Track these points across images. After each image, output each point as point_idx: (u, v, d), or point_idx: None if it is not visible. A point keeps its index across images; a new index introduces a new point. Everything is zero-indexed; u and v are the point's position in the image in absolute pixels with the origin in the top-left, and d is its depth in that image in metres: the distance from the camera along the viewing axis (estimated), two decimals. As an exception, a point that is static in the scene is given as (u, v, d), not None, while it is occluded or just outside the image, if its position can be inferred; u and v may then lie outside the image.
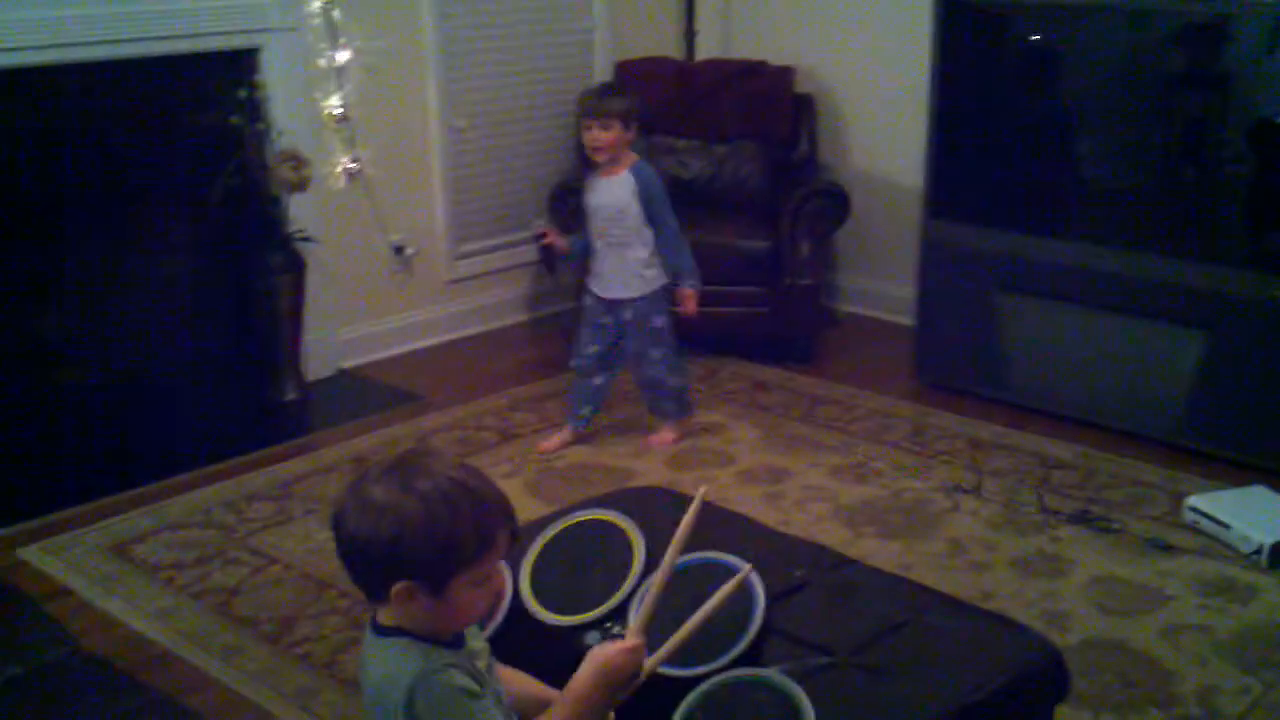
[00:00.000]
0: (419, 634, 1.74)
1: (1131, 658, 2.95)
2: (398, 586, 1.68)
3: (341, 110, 4.60)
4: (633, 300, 3.93)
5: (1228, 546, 3.43)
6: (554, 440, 4.08)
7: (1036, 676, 2.33)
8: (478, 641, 1.88)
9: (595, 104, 3.82)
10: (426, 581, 1.68)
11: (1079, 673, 2.76)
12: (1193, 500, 3.58)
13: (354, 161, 4.67)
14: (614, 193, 3.85)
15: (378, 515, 1.67)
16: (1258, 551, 3.35)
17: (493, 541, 1.73)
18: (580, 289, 4.14)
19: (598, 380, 4.08)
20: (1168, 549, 3.43)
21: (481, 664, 1.84)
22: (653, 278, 3.94)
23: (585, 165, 3.97)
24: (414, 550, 1.67)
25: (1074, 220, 4.43)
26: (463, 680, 1.71)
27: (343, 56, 4.57)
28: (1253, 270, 3.90)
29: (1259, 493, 3.63)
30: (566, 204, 4.85)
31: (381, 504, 1.68)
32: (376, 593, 1.72)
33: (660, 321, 3.98)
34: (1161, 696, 2.81)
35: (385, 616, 1.76)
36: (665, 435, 4.14)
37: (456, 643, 1.79)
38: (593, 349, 4.02)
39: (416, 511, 1.67)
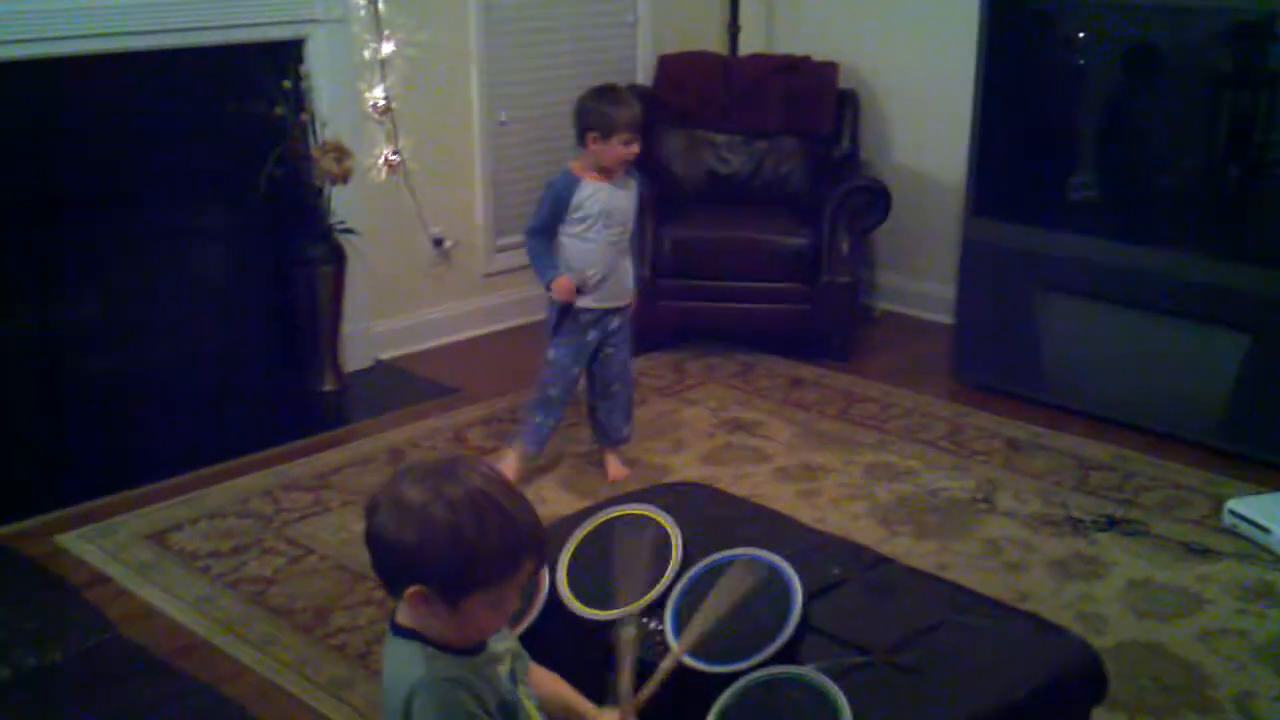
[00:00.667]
0: (432, 638, 1.73)
1: (1168, 661, 2.93)
2: (413, 589, 1.67)
3: (384, 102, 4.62)
4: (626, 307, 3.78)
5: (1268, 551, 3.40)
6: (510, 467, 3.72)
7: (1074, 678, 2.32)
8: (505, 643, 1.86)
9: (637, 119, 3.59)
10: (442, 591, 1.67)
11: (1115, 676, 2.72)
12: (1233, 504, 3.55)
13: (396, 153, 4.69)
14: (628, 198, 3.68)
15: (405, 515, 1.66)
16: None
17: (516, 566, 1.70)
18: (548, 310, 3.76)
19: (566, 402, 3.82)
20: (1204, 553, 3.40)
21: (503, 668, 1.82)
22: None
23: (571, 174, 3.63)
24: (432, 558, 1.65)
25: (1117, 220, 4.40)
26: (462, 697, 1.69)
27: (387, 48, 4.59)
28: (1295, 273, 3.86)
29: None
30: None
31: (411, 505, 1.66)
32: (394, 590, 1.72)
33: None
34: (1199, 701, 2.79)
35: (402, 615, 1.75)
36: (619, 467, 3.88)
37: (475, 648, 1.76)
38: (576, 370, 3.76)
39: (443, 519, 1.65)
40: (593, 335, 3.72)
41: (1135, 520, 3.52)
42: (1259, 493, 3.66)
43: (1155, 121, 4.28)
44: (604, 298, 3.70)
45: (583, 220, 3.59)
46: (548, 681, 1.98)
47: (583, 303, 3.66)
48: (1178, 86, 4.20)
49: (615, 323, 3.75)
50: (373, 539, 1.71)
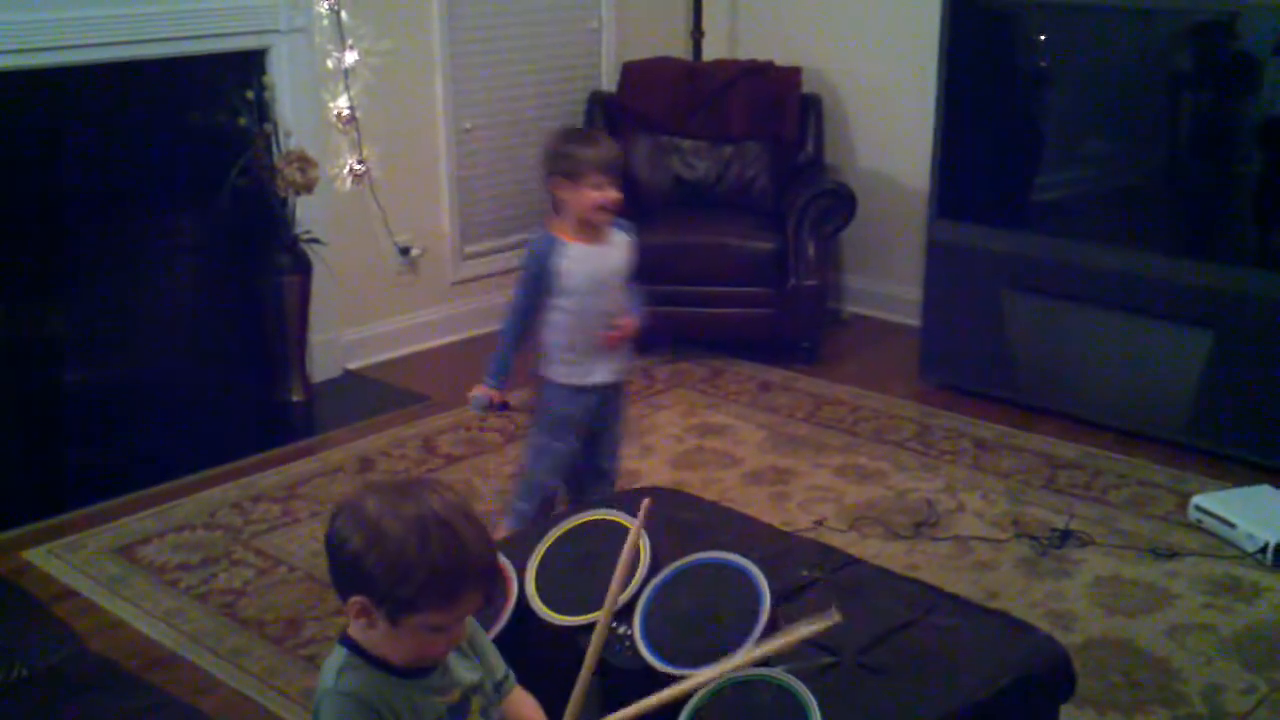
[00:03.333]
0: (372, 652, 1.71)
1: (1137, 657, 2.95)
2: (355, 599, 1.66)
3: (349, 111, 4.62)
4: (621, 383, 3.29)
5: (1233, 546, 3.43)
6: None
7: (1043, 676, 2.33)
8: (471, 675, 1.82)
9: (611, 159, 3.06)
10: (381, 605, 1.65)
11: (1084, 672, 2.75)
12: (1198, 499, 3.58)
13: (361, 163, 4.69)
14: (617, 256, 3.15)
15: (358, 524, 1.66)
16: (1263, 550, 3.35)
17: (457, 595, 1.67)
18: (545, 395, 3.24)
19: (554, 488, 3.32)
20: (1171, 549, 3.42)
21: (446, 700, 1.77)
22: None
23: (549, 235, 3.10)
24: (374, 571, 1.64)
25: (1081, 219, 4.44)
26: (354, 716, 1.68)
27: (350, 57, 4.59)
28: (1260, 269, 3.90)
29: (1265, 492, 3.62)
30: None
31: (365, 515, 1.66)
32: (342, 597, 1.71)
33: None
34: (1167, 695, 2.81)
35: (351, 625, 1.74)
36: None
37: (417, 672, 1.74)
38: (568, 461, 3.26)
39: (392, 535, 1.63)
40: (584, 421, 3.22)
41: (1083, 532, 3.52)
42: (1224, 488, 3.69)
43: (1117, 122, 4.32)
44: (596, 374, 3.18)
45: (571, 294, 3.07)
46: (520, 710, 1.94)
47: (569, 378, 3.17)
48: (1139, 87, 4.24)
49: (612, 401, 3.26)
50: (329, 544, 1.71)
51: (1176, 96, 4.21)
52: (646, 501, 2.16)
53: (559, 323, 3.11)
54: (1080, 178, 4.51)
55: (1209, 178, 4.20)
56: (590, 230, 3.07)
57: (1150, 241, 4.15)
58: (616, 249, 3.15)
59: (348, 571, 1.67)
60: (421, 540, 1.63)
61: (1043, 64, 4.52)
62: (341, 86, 4.60)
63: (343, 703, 1.69)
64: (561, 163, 3.04)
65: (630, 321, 3.18)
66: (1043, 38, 4.47)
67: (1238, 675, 2.88)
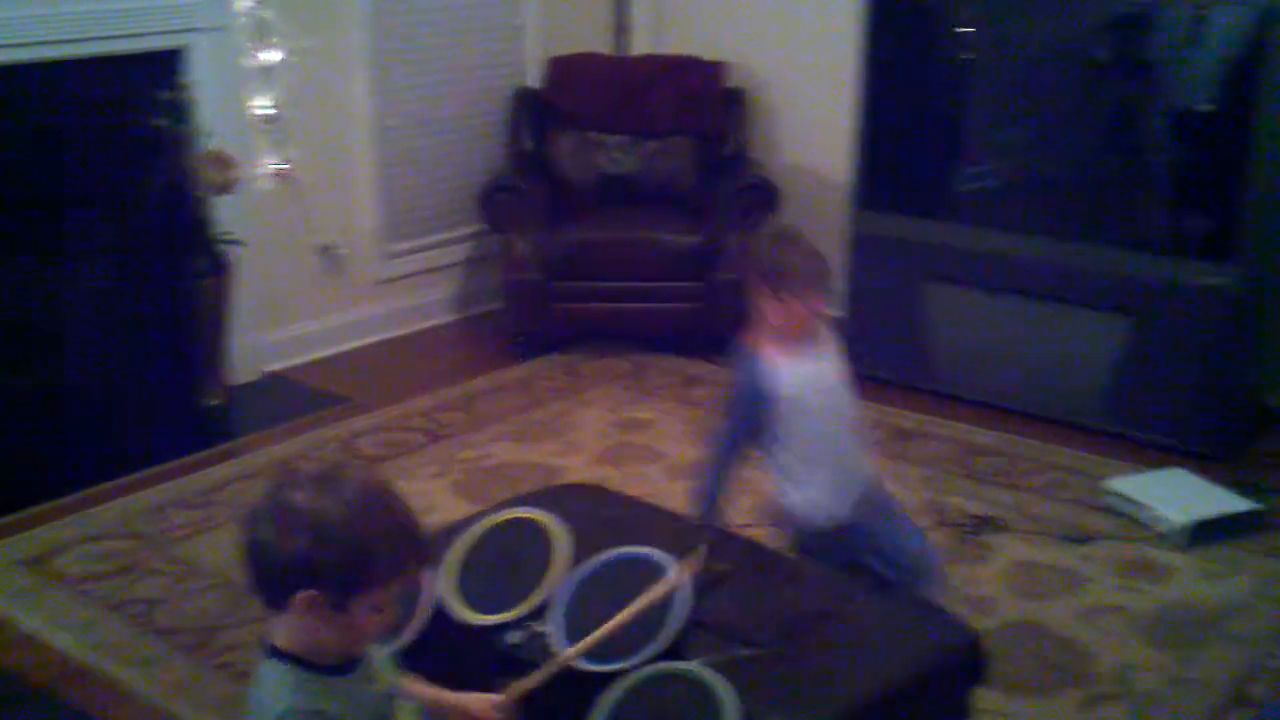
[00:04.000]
0: (307, 659, 1.70)
1: (1051, 639, 3.00)
2: (303, 595, 1.64)
3: (271, 110, 4.57)
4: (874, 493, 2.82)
5: (1145, 528, 3.49)
6: None
7: (955, 660, 2.36)
8: (379, 657, 1.84)
9: (827, 272, 2.72)
10: (332, 593, 1.64)
11: (999, 656, 2.78)
12: (1111, 483, 3.64)
13: (283, 162, 4.64)
14: (835, 366, 2.78)
15: (295, 520, 1.64)
16: (1174, 532, 3.41)
17: (403, 565, 1.69)
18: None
19: None
20: (1085, 532, 3.48)
21: (380, 686, 1.80)
22: None
23: (753, 356, 2.70)
24: (327, 559, 1.63)
25: (1000, 210, 4.49)
26: None
27: (272, 56, 4.54)
28: (1174, 257, 3.97)
29: (1176, 475, 3.69)
30: (495, 201, 4.86)
31: (301, 509, 1.65)
32: (278, 601, 1.68)
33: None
34: (1080, 676, 2.86)
35: (279, 636, 1.72)
36: None
37: (348, 667, 1.74)
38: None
39: (337, 518, 1.63)
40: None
41: (1000, 518, 3.56)
42: (1137, 471, 3.75)
43: (1037, 113, 4.37)
44: (843, 506, 2.74)
45: (800, 416, 2.67)
46: (414, 685, 1.96)
47: (815, 517, 2.74)
48: (1058, 78, 4.29)
49: (867, 529, 2.76)
50: (257, 552, 1.67)
51: (1095, 88, 4.26)
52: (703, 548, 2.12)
53: (788, 470, 2.73)
54: (1000, 169, 4.56)
55: (1126, 167, 4.27)
56: (795, 342, 2.68)
57: (1068, 231, 4.20)
58: (832, 355, 2.78)
59: (293, 571, 1.64)
60: (366, 517, 1.65)
61: (963, 56, 4.57)
62: (263, 86, 4.55)
63: None
64: (772, 276, 2.63)
65: None
66: (962, 30, 4.51)
67: (1148, 654, 2.94)
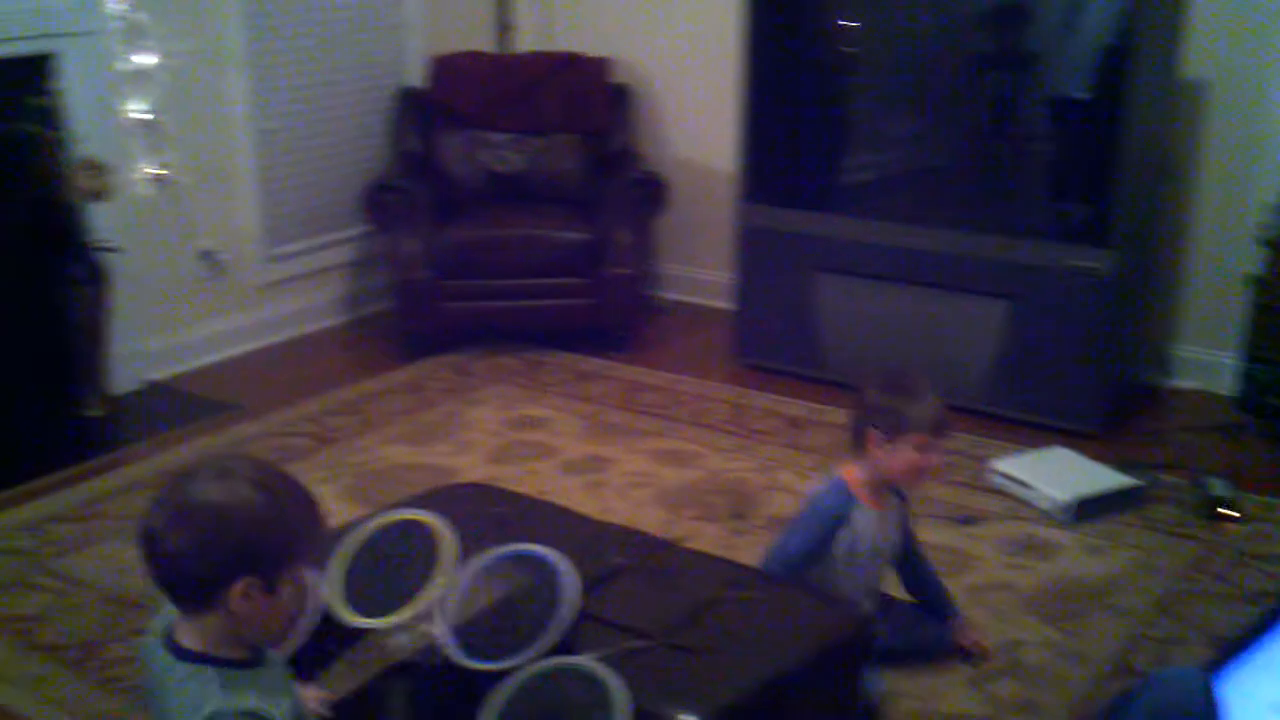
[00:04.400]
0: (222, 657, 1.69)
1: (943, 620, 3.04)
2: (239, 585, 1.64)
3: (146, 115, 4.47)
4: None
5: (1031, 507, 3.56)
6: None
7: (845, 643, 2.39)
8: (279, 661, 1.85)
9: (941, 420, 2.70)
10: (265, 575, 1.66)
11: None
12: (997, 464, 3.71)
13: (161, 167, 4.54)
14: (895, 523, 2.83)
15: (220, 514, 1.64)
16: (1058, 510, 3.48)
17: (314, 534, 1.74)
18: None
19: None
20: (973, 512, 3.53)
21: (286, 678, 1.82)
22: None
23: (847, 491, 2.72)
24: (263, 539, 1.65)
25: (884, 200, 4.55)
26: None
27: (146, 59, 4.44)
28: (1052, 241, 4.06)
29: (1059, 454, 3.77)
30: (380, 202, 4.80)
31: (222, 503, 1.64)
32: (206, 601, 1.66)
33: None
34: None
35: (187, 636, 1.70)
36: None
37: (256, 661, 1.75)
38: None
39: (263, 502, 1.66)
40: None
41: None
42: (1022, 451, 3.82)
43: (920, 104, 4.44)
44: None
45: (850, 553, 2.71)
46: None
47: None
48: (938, 69, 4.36)
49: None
50: (172, 560, 1.65)
51: (975, 78, 4.34)
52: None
53: (830, 567, 2.70)
54: (883, 160, 4.62)
55: (1006, 156, 4.36)
56: (881, 490, 2.73)
57: (951, 219, 4.27)
58: (894, 514, 2.80)
59: (228, 561, 1.63)
60: (280, 493, 1.68)
61: (845, 49, 4.62)
62: (138, 90, 4.45)
63: None
64: (886, 417, 2.64)
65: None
66: (844, 23, 4.56)
67: (1035, 629, 3.00)
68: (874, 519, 2.72)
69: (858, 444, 2.70)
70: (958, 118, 4.38)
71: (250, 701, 1.67)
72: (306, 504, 1.73)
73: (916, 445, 2.63)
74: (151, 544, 1.66)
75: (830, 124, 4.57)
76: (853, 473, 2.73)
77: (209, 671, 1.68)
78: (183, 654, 1.70)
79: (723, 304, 5.04)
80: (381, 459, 3.96)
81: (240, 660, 1.72)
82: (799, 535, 2.72)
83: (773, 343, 4.61)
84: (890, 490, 2.76)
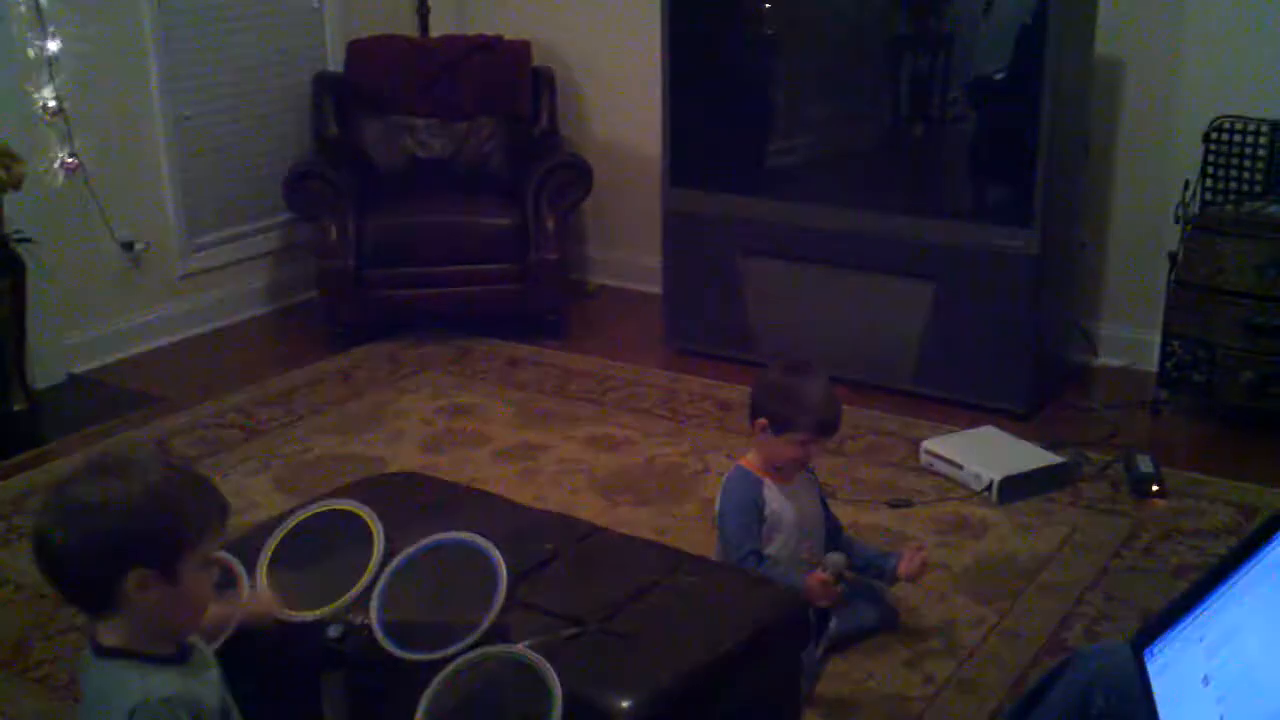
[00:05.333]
0: (143, 652, 1.68)
1: (877, 600, 3.06)
2: (132, 578, 1.62)
3: (55, 102, 4.38)
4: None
5: (962, 485, 3.59)
6: None
7: (780, 625, 2.39)
8: (210, 650, 1.84)
9: (830, 419, 2.80)
10: (159, 565, 1.64)
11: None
12: (928, 444, 3.74)
13: (72, 156, 4.45)
14: (815, 495, 2.94)
15: (98, 511, 1.62)
16: (988, 488, 3.52)
17: (210, 517, 1.71)
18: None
19: None
20: (905, 493, 3.56)
21: (215, 673, 1.80)
22: None
23: (749, 474, 2.84)
24: (145, 529, 1.63)
25: (808, 183, 4.56)
26: (183, 716, 1.66)
27: (53, 46, 4.34)
28: (973, 222, 4.09)
29: (988, 433, 3.81)
30: (302, 189, 4.74)
31: (99, 500, 1.63)
32: (104, 599, 1.65)
33: None
34: (906, 633, 2.93)
35: (107, 635, 1.69)
36: None
37: (183, 656, 1.73)
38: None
39: (139, 492, 1.63)
40: None
41: (824, 483, 3.56)
42: (952, 431, 3.86)
43: (842, 87, 4.45)
44: None
45: (774, 532, 2.80)
46: None
47: None
48: (860, 51, 4.37)
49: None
50: (61, 560, 1.63)
51: (896, 61, 4.36)
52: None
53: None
54: (807, 143, 4.63)
55: (926, 137, 4.38)
56: (780, 473, 2.83)
57: (874, 201, 4.29)
58: (809, 488, 2.91)
59: (113, 556, 1.62)
60: (161, 479, 1.66)
61: (767, 31, 4.62)
62: (46, 76, 4.35)
63: (166, 711, 1.64)
64: (774, 406, 2.77)
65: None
66: (765, 5, 4.56)
67: (969, 608, 3.02)
68: (785, 494, 2.81)
69: (751, 426, 2.83)
70: (880, 100, 4.40)
71: (171, 689, 1.67)
72: (195, 488, 1.71)
73: (800, 441, 2.76)
74: (38, 549, 1.66)
75: (754, 107, 4.57)
76: (749, 459, 2.86)
77: (128, 664, 1.67)
78: (104, 651, 1.69)
79: (651, 287, 5.03)
80: (311, 449, 3.91)
81: (163, 655, 1.70)
82: (732, 530, 2.79)
83: (702, 327, 4.61)
84: (792, 471, 2.84)
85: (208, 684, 1.76)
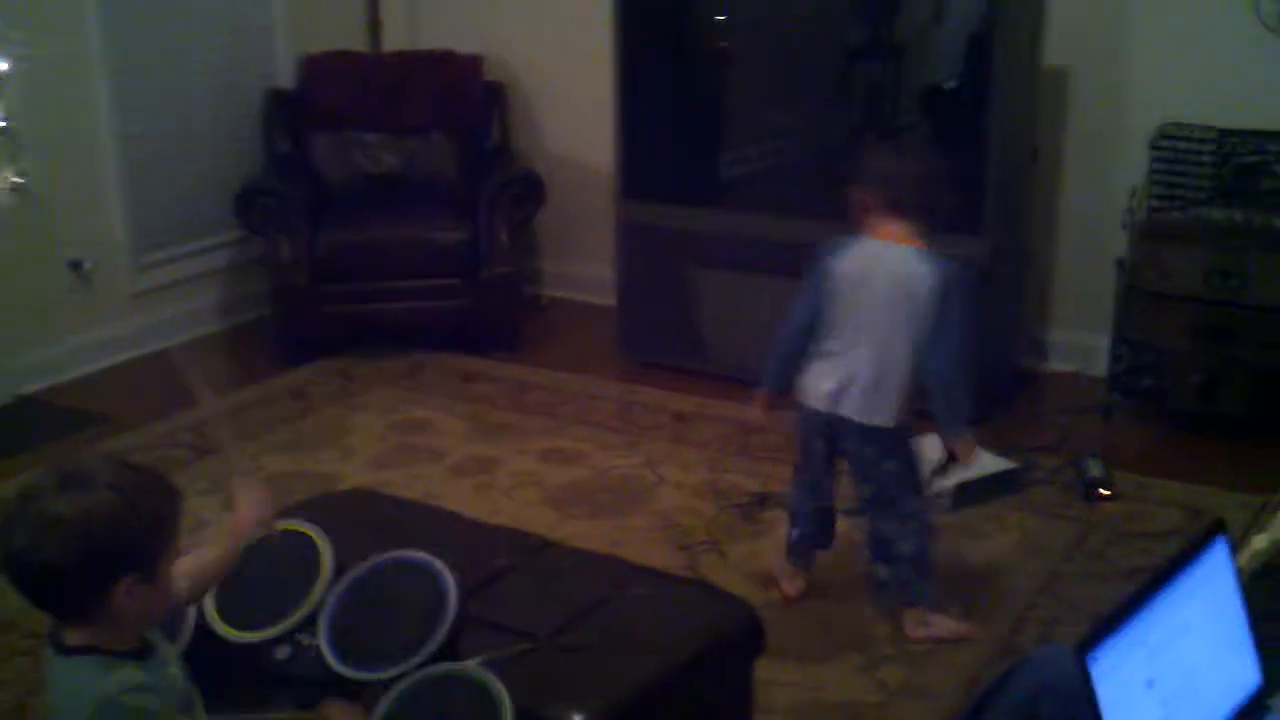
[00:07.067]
0: (110, 649, 1.69)
1: (831, 605, 3.07)
2: (124, 584, 1.63)
3: (3, 122, 4.33)
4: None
5: (915, 492, 3.60)
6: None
7: (734, 637, 2.40)
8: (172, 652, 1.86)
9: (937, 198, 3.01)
10: (143, 569, 1.66)
11: (784, 627, 2.87)
12: (881, 452, 3.74)
13: (19, 175, 4.40)
14: (908, 259, 2.95)
15: (80, 524, 1.61)
16: (940, 494, 3.53)
17: (177, 513, 1.73)
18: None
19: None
20: (856, 511, 3.55)
21: (176, 670, 1.81)
22: None
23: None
24: (131, 538, 1.65)
25: (760, 193, 4.57)
26: (149, 703, 1.67)
27: (0, 65, 4.30)
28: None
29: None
30: (254, 205, 4.71)
31: (79, 514, 1.62)
32: (90, 609, 1.66)
33: None
34: (858, 640, 2.95)
35: (73, 636, 1.69)
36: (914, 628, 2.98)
37: (146, 652, 1.74)
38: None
39: (116, 503, 1.64)
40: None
41: (778, 494, 3.58)
42: (905, 439, 3.87)
43: (795, 97, 4.47)
44: None
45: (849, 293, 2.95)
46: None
47: None
48: (811, 62, 4.39)
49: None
50: (54, 574, 1.62)
51: (846, 70, 4.39)
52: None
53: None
54: (759, 153, 4.65)
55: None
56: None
57: (826, 211, 4.25)
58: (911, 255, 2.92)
59: (102, 569, 1.63)
60: (135, 489, 1.67)
61: (718, 43, 4.64)
62: (-10, 95, 4.31)
63: (134, 698, 1.66)
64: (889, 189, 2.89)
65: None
66: (717, 17, 4.58)
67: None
68: (872, 250, 2.87)
69: (859, 209, 2.93)
70: (831, 110, 4.42)
71: (140, 677, 1.68)
72: (159, 488, 1.73)
73: (910, 218, 2.88)
74: (18, 567, 1.64)
75: (706, 118, 4.58)
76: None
77: (93, 660, 1.67)
78: (70, 650, 1.69)
79: (606, 300, 5.03)
80: (263, 468, 3.88)
81: (127, 651, 1.71)
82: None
83: (657, 338, 4.61)
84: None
85: (171, 676, 1.78)
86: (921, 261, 2.82)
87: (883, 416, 2.85)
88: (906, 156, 3.09)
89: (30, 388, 4.50)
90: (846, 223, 4.17)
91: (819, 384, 2.91)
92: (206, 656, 2.20)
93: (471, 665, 2.05)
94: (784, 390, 3.01)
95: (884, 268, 2.85)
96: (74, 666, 1.68)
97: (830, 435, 2.94)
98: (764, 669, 2.54)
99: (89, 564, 1.62)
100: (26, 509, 1.64)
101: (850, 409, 2.87)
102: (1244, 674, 1.66)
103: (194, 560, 1.91)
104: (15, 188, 4.40)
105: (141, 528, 1.66)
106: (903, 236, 2.85)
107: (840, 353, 2.88)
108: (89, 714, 1.65)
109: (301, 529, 2.32)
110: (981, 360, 4.05)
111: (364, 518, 2.66)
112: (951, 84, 4.16)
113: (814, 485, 3.05)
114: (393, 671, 2.05)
